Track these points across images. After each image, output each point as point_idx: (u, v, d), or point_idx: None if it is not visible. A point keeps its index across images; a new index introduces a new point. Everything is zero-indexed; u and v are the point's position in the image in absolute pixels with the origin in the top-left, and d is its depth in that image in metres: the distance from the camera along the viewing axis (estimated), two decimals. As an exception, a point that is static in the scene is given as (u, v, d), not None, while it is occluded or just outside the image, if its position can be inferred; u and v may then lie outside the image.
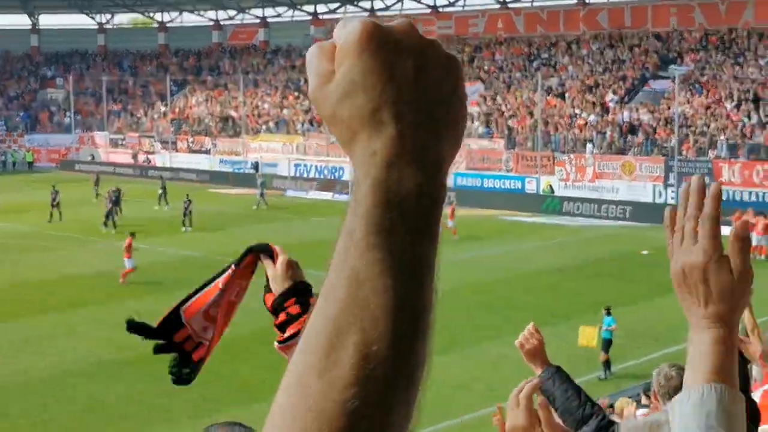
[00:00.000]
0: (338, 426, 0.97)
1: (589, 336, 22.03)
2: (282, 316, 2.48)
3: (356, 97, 1.05)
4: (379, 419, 1.00)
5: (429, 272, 1.09)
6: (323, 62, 1.10)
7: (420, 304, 1.07)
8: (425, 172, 1.06)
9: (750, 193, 45.31)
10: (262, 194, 52.45)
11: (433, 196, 1.07)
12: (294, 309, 2.50)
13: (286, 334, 2.45)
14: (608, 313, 22.54)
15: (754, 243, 36.52)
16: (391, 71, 1.04)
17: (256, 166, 62.18)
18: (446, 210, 39.07)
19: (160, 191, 53.00)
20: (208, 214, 49.69)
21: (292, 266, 2.56)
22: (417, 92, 1.06)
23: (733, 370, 1.87)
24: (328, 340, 1.01)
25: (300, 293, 2.52)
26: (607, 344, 21.63)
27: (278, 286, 2.54)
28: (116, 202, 46.47)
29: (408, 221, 1.05)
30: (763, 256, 36.31)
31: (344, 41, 1.07)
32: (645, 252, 37.76)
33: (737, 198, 45.32)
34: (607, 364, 21.70)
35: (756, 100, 49.66)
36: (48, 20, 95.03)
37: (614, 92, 55.76)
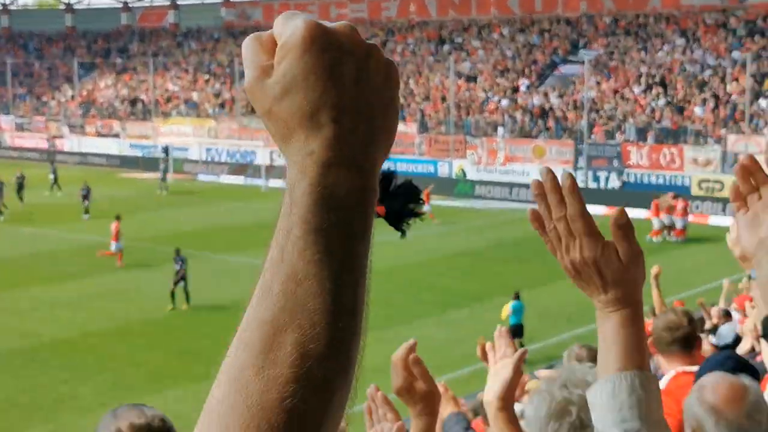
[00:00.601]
0: (277, 422, 0.99)
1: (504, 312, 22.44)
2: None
3: (296, 96, 1.05)
4: (318, 416, 1.01)
5: (364, 272, 1.12)
6: (261, 55, 1.11)
7: (356, 303, 1.08)
8: (361, 175, 1.09)
9: (658, 176, 46.22)
10: (163, 179, 52.02)
11: (368, 199, 1.11)
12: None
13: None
14: (517, 298, 22.66)
15: (678, 226, 37.29)
16: (333, 74, 1.05)
17: (166, 149, 61.33)
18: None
19: (51, 177, 51.63)
20: (117, 199, 48.90)
21: None
22: (357, 96, 1.07)
23: (642, 350, 1.87)
24: (266, 338, 1.02)
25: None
26: (514, 329, 21.56)
27: None
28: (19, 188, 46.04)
29: (345, 222, 1.07)
30: (679, 238, 37.03)
31: (287, 38, 1.09)
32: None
33: (645, 181, 46.24)
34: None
35: (663, 84, 50.62)
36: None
37: (525, 76, 56.31)
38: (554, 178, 1.86)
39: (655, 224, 37.59)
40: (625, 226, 1.85)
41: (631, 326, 1.88)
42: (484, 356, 2.94)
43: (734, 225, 1.95)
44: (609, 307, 1.88)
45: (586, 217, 1.84)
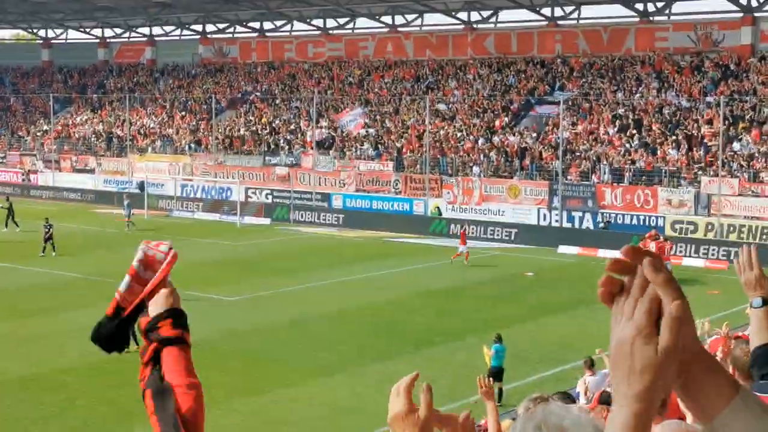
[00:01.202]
0: None
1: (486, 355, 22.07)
2: (152, 337, 2.40)
3: None
4: None
5: None
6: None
7: None
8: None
9: (632, 216, 46.47)
10: (128, 215, 51.60)
11: None
12: (167, 330, 2.42)
13: (147, 355, 2.38)
14: (498, 341, 22.14)
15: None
16: None
17: (141, 185, 61.20)
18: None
19: (6, 211, 50.79)
20: (88, 235, 48.72)
21: (174, 293, 2.50)
22: None
23: None
24: None
25: (177, 316, 2.45)
26: (495, 372, 21.06)
27: (155, 309, 2.47)
28: None
29: None
30: None
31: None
32: (530, 273, 38.37)
33: (619, 222, 46.46)
34: (499, 392, 21.16)
35: (638, 126, 51.02)
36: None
37: (500, 116, 56.61)
38: (660, 264, 1.80)
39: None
40: (677, 320, 1.78)
41: (635, 427, 1.80)
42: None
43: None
44: (624, 401, 1.80)
45: (656, 303, 1.77)
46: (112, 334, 2.49)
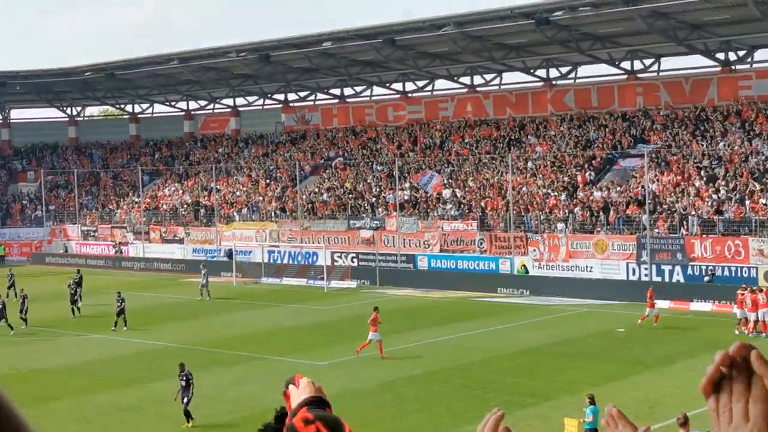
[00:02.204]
0: None
1: (570, 429, 21.71)
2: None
3: None
4: None
5: None
6: None
7: None
8: None
9: (723, 268, 45.57)
10: (204, 284, 51.24)
11: None
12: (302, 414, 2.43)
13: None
14: (592, 402, 21.86)
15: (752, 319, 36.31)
16: None
17: (229, 253, 62.01)
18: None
19: (8, 282, 52.39)
20: (178, 304, 49.44)
21: (313, 384, 2.57)
22: None
23: None
24: None
25: (312, 403, 2.48)
26: None
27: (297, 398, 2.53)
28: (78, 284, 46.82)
29: None
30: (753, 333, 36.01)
31: None
32: (621, 330, 37.78)
33: (712, 271, 45.56)
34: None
35: (725, 176, 50.23)
36: (19, 114, 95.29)
37: (583, 171, 56.25)
38: (749, 358, 1.79)
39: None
40: None
41: None
42: None
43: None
44: None
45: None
46: None
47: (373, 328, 33.50)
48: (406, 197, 60.57)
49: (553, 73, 66.17)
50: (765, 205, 46.93)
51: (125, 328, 40.86)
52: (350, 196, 64.36)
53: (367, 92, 76.91)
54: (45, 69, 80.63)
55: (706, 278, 45.28)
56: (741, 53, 58.40)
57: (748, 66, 58.94)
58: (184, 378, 25.64)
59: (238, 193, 71.62)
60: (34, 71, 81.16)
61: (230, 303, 49.32)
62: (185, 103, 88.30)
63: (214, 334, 39.09)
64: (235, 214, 68.68)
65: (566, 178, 56.23)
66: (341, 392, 28.00)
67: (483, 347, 35.28)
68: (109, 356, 35.40)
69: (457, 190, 59.33)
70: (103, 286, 58.57)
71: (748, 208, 47.31)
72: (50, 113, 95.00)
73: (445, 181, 59.86)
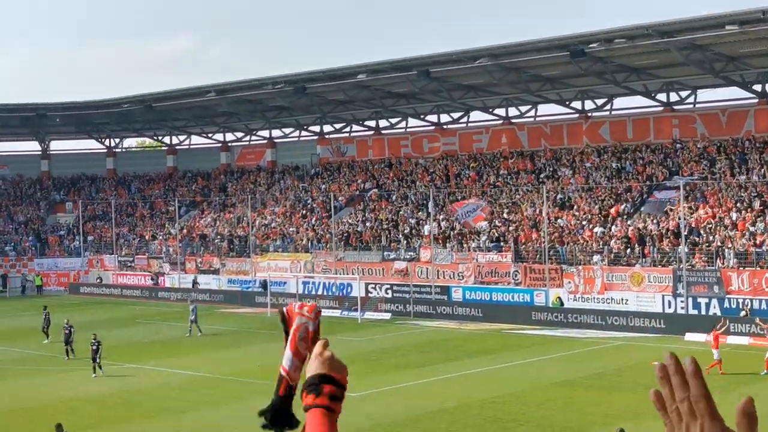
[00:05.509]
0: None
1: None
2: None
3: None
4: None
5: None
6: None
7: None
8: None
9: (761, 301, 45.14)
10: (194, 320, 49.41)
11: None
12: (309, 400, 2.47)
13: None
14: None
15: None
16: None
17: (264, 284, 62.24)
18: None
19: (43, 323, 48.81)
20: (218, 333, 49.65)
21: (324, 356, 2.57)
22: None
23: None
24: None
25: (312, 384, 2.50)
26: None
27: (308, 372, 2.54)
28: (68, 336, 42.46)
29: None
30: None
31: None
32: (656, 363, 37.29)
33: (748, 306, 45.12)
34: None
35: (763, 208, 49.88)
36: (58, 145, 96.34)
37: (619, 203, 56.05)
38: (678, 361, 1.92)
39: None
40: (751, 416, 1.86)
41: None
42: None
43: None
44: None
45: (709, 399, 1.87)
46: (285, 412, 2.59)
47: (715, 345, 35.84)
48: (442, 228, 60.50)
49: (589, 104, 66.11)
50: (803, 237, 46.48)
51: (101, 372, 37.64)
52: (385, 227, 64.46)
53: (402, 124, 77.18)
54: (84, 101, 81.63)
55: (743, 312, 44.83)
56: (778, 85, 58.09)
57: (786, 98, 58.60)
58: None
59: (273, 225, 71.94)
60: (73, 103, 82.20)
61: (264, 334, 49.44)
62: (222, 134, 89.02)
63: (248, 364, 39.17)
64: (269, 245, 68.96)
65: (601, 210, 56.02)
66: (372, 425, 27.97)
67: (516, 380, 35.12)
68: (146, 386, 35.55)
69: (496, 221, 59.17)
70: (139, 315, 59.04)
71: (785, 240, 46.88)
72: (89, 144, 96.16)
73: (486, 214, 59.68)
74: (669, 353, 1.99)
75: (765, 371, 35.07)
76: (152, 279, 72.96)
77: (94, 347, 37.75)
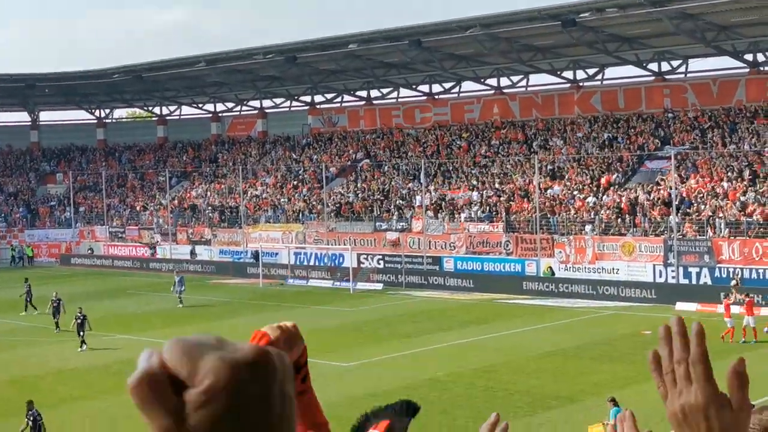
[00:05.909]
0: None
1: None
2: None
3: None
4: None
5: None
6: None
7: None
8: None
9: (751, 270, 45.29)
10: (182, 291, 49.02)
11: None
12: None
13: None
14: (615, 404, 21.81)
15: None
16: None
17: (256, 255, 62.23)
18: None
19: (24, 296, 48.09)
20: (209, 304, 49.70)
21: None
22: None
23: None
24: None
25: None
26: None
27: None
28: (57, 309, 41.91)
29: None
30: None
31: None
32: (647, 332, 37.61)
33: (739, 276, 45.26)
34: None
35: (753, 177, 49.95)
36: (48, 116, 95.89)
37: (610, 173, 56.07)
38: (683, 324, 1.89)
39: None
40: (742, 375, 1.85)
41: None
42: None
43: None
44: None
45: (708, 363, 1.85)
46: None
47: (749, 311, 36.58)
48: (433, 199, 60.52)
49: (580, 74, 65.97)
50: (793, 207, 46.60)
51: (85, 347, 36.97)
52: (376, 198, 64.42)
53: (394, 94, 76.96)
54: (73, 71, 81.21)
55: (733, 282, 44.96)
56: (769, 54, 58.04)
57: (777, 67, 58.57)
58: (32, 417, 23.31)
59: (264, 195, 71.83)
60: (63, 73, 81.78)
61: (256, 305, 49.51)
62: (212, 105, 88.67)
63: (241, 336, 39.16)
64: (261, 216, 68.89)
65: (592, 180, 56.06)
66: (364, 394, 28.04)
67: (508, 349, 35.26)
68: (137, 356, 35.52)
69: (484, 192, 59.22)
70: (130, 286, 59.03)
71: (776, 210, 46.99)
72: (78, 115, 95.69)
73: (474, 185, 59.59)
74: (677, 317, 1.96)
75: (744, 339, 35.58)
76: (150, 248, 72.77)
77: (79, 321, 37.17)
